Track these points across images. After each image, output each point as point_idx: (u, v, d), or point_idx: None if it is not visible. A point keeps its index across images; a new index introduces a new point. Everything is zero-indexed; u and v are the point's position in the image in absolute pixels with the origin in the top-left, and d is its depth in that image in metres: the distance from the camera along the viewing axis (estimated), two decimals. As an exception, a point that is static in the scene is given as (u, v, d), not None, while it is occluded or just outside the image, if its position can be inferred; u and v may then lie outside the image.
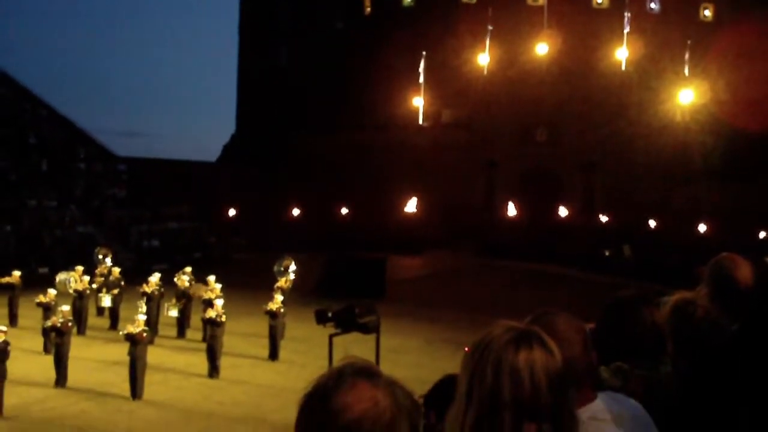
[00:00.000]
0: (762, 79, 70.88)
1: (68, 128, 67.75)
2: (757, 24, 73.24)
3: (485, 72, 76.51)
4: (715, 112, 71.83)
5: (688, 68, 73.82)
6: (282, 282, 34.03)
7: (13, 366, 22.37)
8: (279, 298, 29.39)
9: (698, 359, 4.37)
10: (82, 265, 34.26)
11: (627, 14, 74.65)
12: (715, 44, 72.19)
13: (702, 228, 63.63)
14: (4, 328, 22.50)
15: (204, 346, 26.76)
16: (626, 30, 74.84)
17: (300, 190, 70.25)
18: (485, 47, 76.54)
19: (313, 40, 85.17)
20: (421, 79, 76.76)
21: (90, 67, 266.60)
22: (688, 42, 73.30)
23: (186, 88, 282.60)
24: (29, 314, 30.77)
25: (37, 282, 35.24)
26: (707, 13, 79.37)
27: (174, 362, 27.21)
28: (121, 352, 24.32)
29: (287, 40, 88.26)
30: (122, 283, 33.78)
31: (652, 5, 78.14)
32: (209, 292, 30.23)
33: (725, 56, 71.31)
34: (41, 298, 29.34)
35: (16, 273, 33.79)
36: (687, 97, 74.45)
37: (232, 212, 68.11)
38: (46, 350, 26.82)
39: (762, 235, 58.56)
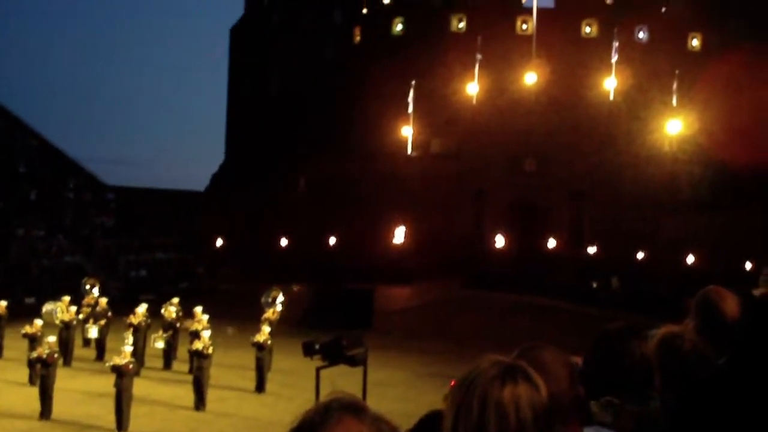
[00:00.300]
0: (750, 109, 71.26)
1: (58, 158, 67.80)
2: (745, 54, 73.67)
3: (474, 101, 76.76)
4: (703, 142, 72.11)
5: (676, 98, 74.12)
6: (269, 313, 33.91)
7: (-3, 398, 22.22)
8: (266, 329, 29.27)
9: (685, 393, 4.33)
10: (69, 295, 34.13)
11: (615, 44, 75.02)
12: (703, 74, 72.55)
13: (690, 259, 63.74)
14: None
15: (190, 378, 26.63)
16: (614, 59, 75.19)
17: (288, 219, 70.24)
18: (474, 76, 76.82)
19: (303, 68, 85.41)
20: (410, 109, 76.91)
21: (80, 95, 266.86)
22: (676, 72, 73.64)
23: (175, 117, 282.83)
24: (15, 345, 30.64)
25: (24, 312, 35.10)
26: (695, 43, 79.81)
27: (160, 394, 27.07)
28: (107, 383, 24.17)
29: (277, 69, 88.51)
30: (109, 313, 33.66)
31: (641, 35, 78.59)
32: (196, 324, 30.09)
33: (713, 86, 71.65)
34: (27, 329, 29.18)
35: (2, 303, 33.67)
36: (675, 127, 74.73)
37: (219, 242, 68.03)
38: (31, 382, 26.67)
39: (749, 266, 58.65)
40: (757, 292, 6.08)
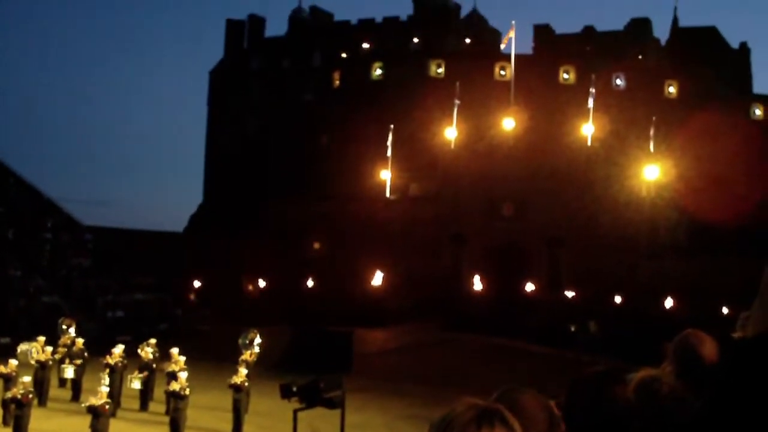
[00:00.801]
0: (725, 156, 71.68)
1: (35, 197, 67.48)
2: (721, 102, 74.28)
3: (453, 146, 77.01)
4: (680, 188, 72.39)
5: (653, 144, 74.49)
6: (247, 355, 33.73)
7: (-29, 438, 22.01)
8: (243, 371, 29.12)
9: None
10: (45, 335, 33.86)
11: (592, 90, 75.49)
12: (679, 121, 72.98)
13: (668, 303, 63.81)
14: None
15: (167, 419, 26.45)
16: (591, 106, 75.59)
17: (266, 261, 70.05)
18: (453, 121, 77.12)
19: (282, 111, 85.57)
20: (389, 152, 77.08)
21: (58, 135, 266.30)
22: (653, 119, 74.02)
23: (154, 158, 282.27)
24: (-11, 385, 30.30)
25: (-1, 352, 34.82)
26: (672, 90, 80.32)
27: (136, 435, 26.87)
28: (82, 424, 23.98)
29: (256, 112, 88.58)
30: (85, 354, 33.41)
31: (618, 81, 79.12)
32: (173, 365, 29.92)
33: (689, 134, 72.07)
34: (2, 369, 28.88)
35: (-22, 343, 33.38)
36: (652, 173, 74.99)
37: (197, 284, 67.69)
38: (5, 422, 26.37)
39: (725, 311, 58.75)
40: (735, 336, 6.10)
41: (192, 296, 64.61)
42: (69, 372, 32.65)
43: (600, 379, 4.75)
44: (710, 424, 3.49)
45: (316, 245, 72.16)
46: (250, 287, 68.11)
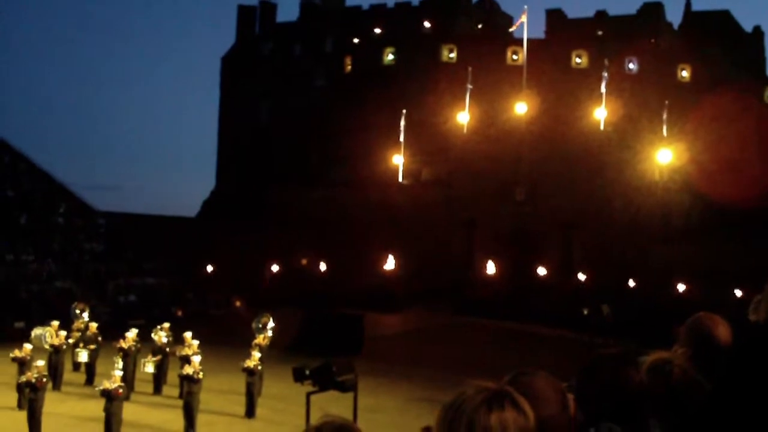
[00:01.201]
0: (738, 139, 71.54)
1: (48, 182, 67.64)
2: (733, 86, 74.05)
3: (465, 130, 76.99)
4: (693, 171, 72.27)
5: (666, 128, 74.35)
6: (260, 339, 33.79)
7: (-14, 422, 22.11)
8: (256, 355, 29.17)
9: (675, 420, 4.35)
10: (58, 319, 33.97)
11: (605, 74, 75.32)
12: (692, 105, 72.81)
13: (681, 287, 63.73)
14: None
15: (180, 402, 26.52)
16: (604, 90, 75.45)
17: (279, 246, 70.16)
18: (465, 106, 77.09)
19: (294, 97, 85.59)
20: (401, 137, 77.08)
21: (70, 120, 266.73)
22: (666, 102, 73.89)
23: (166, 143, 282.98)
24: (4, 369, 30.42)
25: (13, 337, 34.95)
26: (684, 74, 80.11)
27: (150, 419, 26.95)
28: (96, 408, 24.07)
29: (268, 97, 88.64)
30: (99, 338, 33.49)
31: (630, 66, 78.91)
32: (186, 349, 30.00)
33: (702, 118, 71.92)
34: (16, 353, 28.97)
35: (-8, 327, 33.54)
36: (665, 156, 74.88)
37: (210, 268, 67.82)
38: (20, 406, 26.48)
39: (738, 294, 58.64)
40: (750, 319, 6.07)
41: (204, 280, 64.65)
42: (83, 356, 32.77)
43: (613, 361, 4.75)
44: (722, 405, 3.49)
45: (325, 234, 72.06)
46: (267, 270, 68.12)
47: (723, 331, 5.31)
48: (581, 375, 4.70)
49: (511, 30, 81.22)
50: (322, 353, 27.50)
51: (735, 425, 3.40)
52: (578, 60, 79.47)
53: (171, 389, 30.28)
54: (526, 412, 2.82)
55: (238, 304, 56.99)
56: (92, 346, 32.88)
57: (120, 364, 27.61)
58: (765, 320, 2.32)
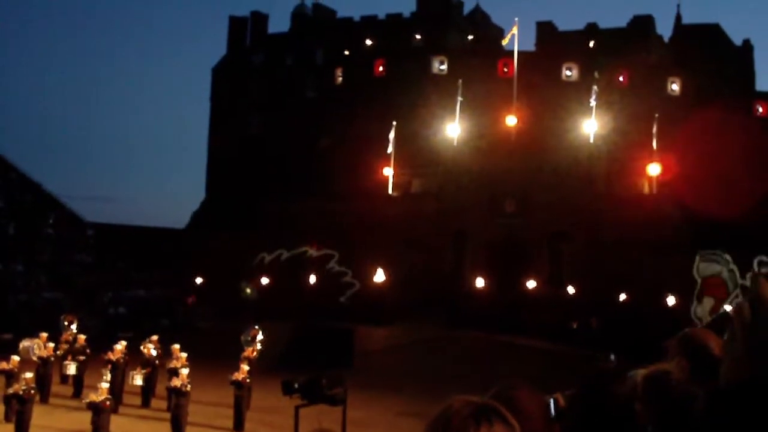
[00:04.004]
0: (727, 153, 71.70)
1: (37, 192, 67.53)
2: (723, 99, 74.33)
3: (455, 143, 77.07)
4: (683, 185, 72.38)
5: (656, 141, 74.48)
6: (248, 352, 33.74)
7: (-28, 434, 22.00)
8: (245, 367, 29.12)
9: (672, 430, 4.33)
10: (47, 331, 33.87)
11: (595, 87, 75.51)
12: (682, 118, 72.99)
13: (670, 300, 63.81)
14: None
15: (169, 415, 26.44)
16: (593, 103, 75.62)
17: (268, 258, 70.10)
18: (455, 118, 77.19)
19: (285, 108, 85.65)
20: (391, 149, 77.07)
21: (60, 130, 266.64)
22: (656, 115, 74.04)
23: (156, 155, 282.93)
24: (-9, 381, 30.30)
25: (1, 348, 34.82)
26: (675, 87, 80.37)
27: (138, 431, 26.86)
28: (84, 420, 23.99)
29: (258, 108, 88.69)
30: (87, 350, 33.40)
31: (620, 79, 79.08)
32: (174, 361, 29.92)
33: (692, 130, 72.07)
34: (4, 365, 28.88)
35: (-21, 339, 33.39)
36: (655, 170, 75.09)
37: (199, 280, 67.71)
38: (7, 418, 26.37)
39: (728, 308, 58.81)
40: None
41: (194, 292, 64.54)
42: (71, 368, 32.66)
43: (608, 376, 4.76)
44: (714, 415, 3.44)
45: (316, 244, 71.92)
46: (256, 283, 68.01)
47: (715, 343, 5.32)
48: (572, 392, 4.69)
49: (503, 43, 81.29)
50: (312, 367, 27.46)
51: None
52: (568, 73, 79.66)
53: (159, 402, 30.20)
54: (513, 426, 2.79)
55: (190, 301, 57.30)
56: (81, 358, 32.78)
57: (108, 376, 27.55)
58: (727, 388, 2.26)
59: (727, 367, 1.74)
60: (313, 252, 72.01)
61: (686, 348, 5.35)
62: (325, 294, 65.97)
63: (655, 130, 74.19)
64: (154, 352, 32.20)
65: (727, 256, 64.99)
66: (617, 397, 4.59)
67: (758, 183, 67.94)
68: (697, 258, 65.34)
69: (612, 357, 33.22)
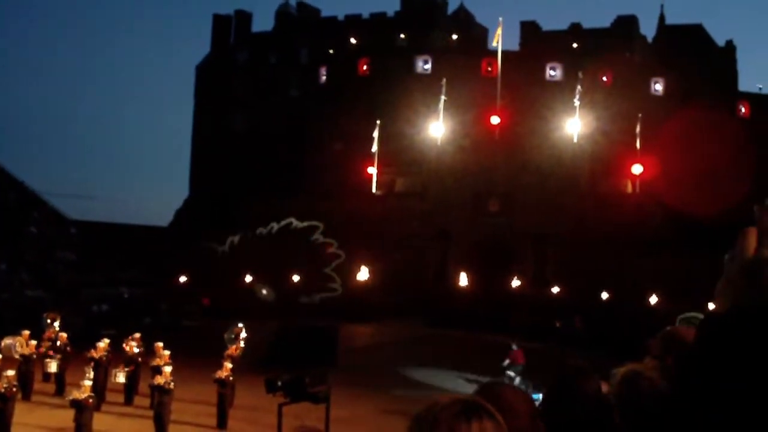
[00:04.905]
0: (710, 153, 71.89)
1: (20, 191, 67.28)
2: (706, 99, 74.55)
3: (439, 142, 77.12)
4: (666, 184, 72.56)
5: (639, 141, 74.67)
6: (232, 349, 33.71)
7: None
8: (229, 365, 29.08)
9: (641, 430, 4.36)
10: (30, 329, 33.74)
11: (579, 87, 75.61)
12: (665, 118, 73.16)
13: (653, 300, 63.94)
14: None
15: (152, 413, 26.39)
16: (577, 103, 75.74)
17: (252, 256, 70.01)
18: (439, 117, 77.23)
19: (269, 107, 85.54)
20: (375, 148, 77.09)
21: (43, 128, 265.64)
22: (639, 115, 74.22)
23: (140, 153, 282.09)
24: (-27, 379, 30.16)
25: (-17, 346, 34.63)
26: (658, 87, 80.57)
27: (121, 429, 26.80)
28: (66, 418, 23.91)
29: (242, 107, 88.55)
30: (69, 348, 33.30)
31: (604, 78, 79.22)
32: (158, 359, 29.86)
33: (675, 130, 72.25)
34: (-15, 363, 28.75)
35: (-38, 337, 33.19)
36: (638, 169, 75.30)
37: (183, 278, 67.57)
38: (-11, 416, 26.25)
39: (711, 307, 58.98)
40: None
41: (177, 291, 64.39)
42: (52, 366, 32.54)
43: (576, 373, 4.77)
44: (680, 405, 3.46)
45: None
46: (240, 281, 67.90)
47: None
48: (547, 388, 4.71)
49: (493, 44, 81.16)
50: (296, 365, 27.45)
51: (691, 427, 3.37)
52: (552, 72, 79.76)
53: (142, 399, 30.12)
54: (501, 422, 2.77)
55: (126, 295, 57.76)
56: (62, 356, 32.68)
57: (91, 374, 27.45)
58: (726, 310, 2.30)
59: (722, 288, 1.80)
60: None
61: (669, 346, 5.36)
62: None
63: (638, 129, 74.40)
64: (136, 350, 32.13)
65: None
66: (583, 394, 4.60)
67: (741, 182, 68.09)
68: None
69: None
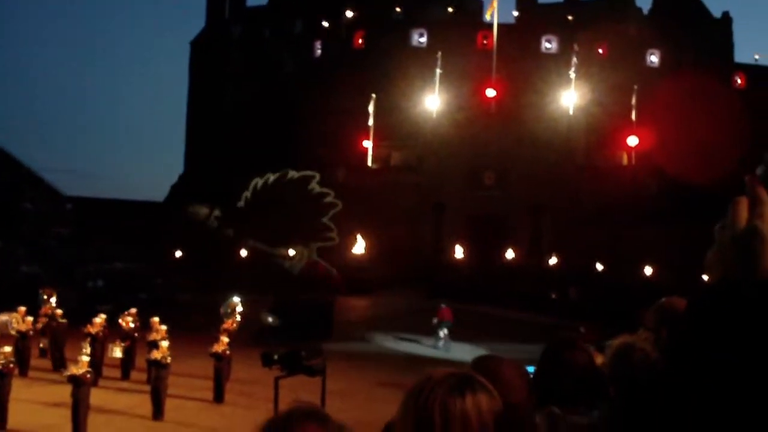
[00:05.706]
0: (706, 124, 71.90)
1: (14, 167, 67.16)
2: (702, 71, 74.45)
3: (434, 115, 77.03)
4: (662, 155, 72.57)
5: (635, 113, 74.66)
6: (228, 324, 33.75)
7: (-49, 408, 21.93)
8: (225, 339, 29.14)
9: (635, 402, 4.35)
10: (26, 305, 33.74)
11: (574, 59, 75.52)
12: (661, 90, 73.08)
13: (648, 271, 64.07)
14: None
15: (149, 387, 26.43)
16: (573, 75, 75.65)
17: (247, 230, 69.96)
18: (434, 90, 77.11)
19: (263, 81, 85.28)
20: (371, 122, 77.00)
21: (38, 104, 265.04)
22: (635, 87, 74.20)
23: (136, 128, 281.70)
24: (-30, 356, 30.18)
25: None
26: (654, 58, 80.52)
27: (118, 404, 26.83)
28: (63, 393, 23.92)
29: (237, 81, 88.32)
30: (66, 323, 33.33)
31: (599, 51, 79.10)
32: (154, 334, 29.87)
33: (671, 102, 72.21)
34: (-18, 339, 28.77)
35: (-43, 313, 33.24)
36: (634, 141, 75.34)
37: (179, 253, 67.54)
38: (-14, 392, 26.28)
39: (706, 278, 59.08)
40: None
41: (173, 265, 64.36)
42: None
43: (566, 345, 4.78)
44: (668, 382, 3.46)
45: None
46: (236, 255, 67.83)
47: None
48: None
49: (487, 17, 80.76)
50: (292, 338, 27.52)
51: (681, 402, 3.35)
52: (548, 45, 79.65)
53: (139, 374, 30.17)
54: (494, 394, 2.81)
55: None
56: (59, 332, 32.72)
57: (87, 349, 27.46)
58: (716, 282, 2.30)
59: (713, 259, 1.78)
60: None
61: (663, 318, 5.35)
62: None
63: (634, 101, 74.43)
64: (132, 325, 32.16)
65: None
66: (573, 366, 4.60)
67: (736, 154, 68.16)
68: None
69: (582, 329, 33.65)
